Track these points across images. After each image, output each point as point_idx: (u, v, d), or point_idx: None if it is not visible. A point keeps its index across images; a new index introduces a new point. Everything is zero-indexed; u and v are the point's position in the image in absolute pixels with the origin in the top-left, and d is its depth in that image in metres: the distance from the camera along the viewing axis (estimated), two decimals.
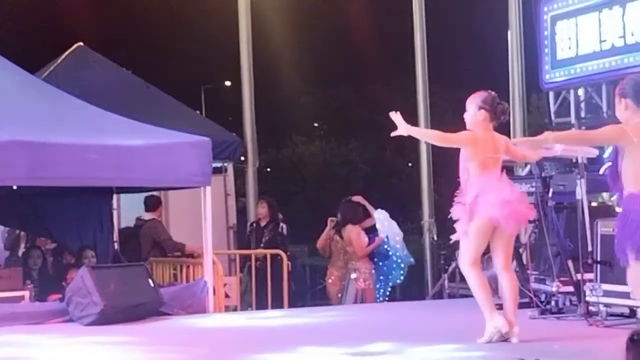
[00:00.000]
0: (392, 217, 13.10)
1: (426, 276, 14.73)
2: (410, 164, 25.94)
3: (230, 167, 15.57)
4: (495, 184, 8.00)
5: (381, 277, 12.93)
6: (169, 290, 11.18)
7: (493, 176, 8.04)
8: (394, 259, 12.92)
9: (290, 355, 7.80)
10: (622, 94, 6.85)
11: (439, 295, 13.27)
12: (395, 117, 8.03)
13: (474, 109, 8.16)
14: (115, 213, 13.75)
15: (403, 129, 8.01)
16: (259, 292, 13.04)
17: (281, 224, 14.00)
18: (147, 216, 13.27)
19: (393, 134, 8.12)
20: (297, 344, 8.32)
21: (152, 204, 13.36)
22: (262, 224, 13.84)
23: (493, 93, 8.28)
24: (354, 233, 12.75)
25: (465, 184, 8.10)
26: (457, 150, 8.11)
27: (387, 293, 12.99)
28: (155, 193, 13.75)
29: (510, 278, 8.24)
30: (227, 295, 12.35)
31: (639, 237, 6.44)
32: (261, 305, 12.74)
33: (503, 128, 14.35)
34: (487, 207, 7.90)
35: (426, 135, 8.20)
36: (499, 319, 7.90)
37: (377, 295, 12.83)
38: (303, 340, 8.63)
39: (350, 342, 8.23)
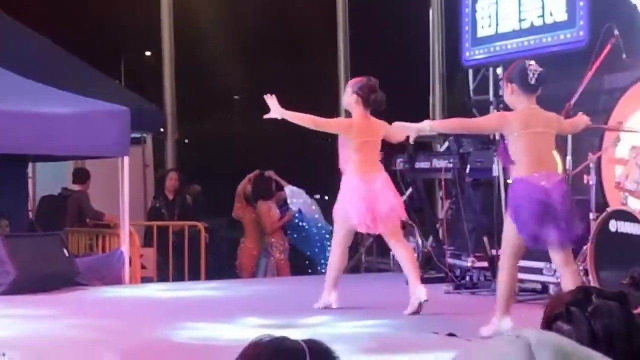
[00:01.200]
0: (314, 192, 13.20)
1: None
2: (329, 139, 26.02)
3: (149, 138, 15.44)
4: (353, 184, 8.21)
5: (318, 244, 13.05)
6: (84, 260, 11.08)
7: (369, 159, 8.28)
8: (315, 230, 13.03)
9: (208, 327, 7.80)
10: (508, 79, 7.02)
11: (356, 269, 13.33)
12: (270, 99, 8.16)
13: (349, 92, 8.40)
14: (30, 182, 13.57)
15: (277, 112, 8.15)
16: (176, 264, 12.99)
17: (187, 196, 13.96)
18: (76, 187, 13.08)
19: (266, 116, 8.28)
20: (215, 316, 8.32)
21: (82, 176, 13.17)
22: (170, 197, 13.76)
23: (373, 81, 8.42)
24: (265, 208, 12.83)
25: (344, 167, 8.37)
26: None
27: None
28: (72, 163, 13.61)
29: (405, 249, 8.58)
30: (143, 267, 12.29)
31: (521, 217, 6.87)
32: (178, 278, 12.70)
33: (424, 105, 14.49)
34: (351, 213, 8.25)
35: (299, 119, 8.28)
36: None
37: (321, 262, 12.92)
38: (219, 313, 8.63)
39: (271, 314, 8.25)
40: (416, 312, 8.14)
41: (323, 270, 12.78)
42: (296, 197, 13.21)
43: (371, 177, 8.29)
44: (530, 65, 7.11)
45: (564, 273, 7.12)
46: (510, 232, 7.07)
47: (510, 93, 7.10)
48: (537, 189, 6.88)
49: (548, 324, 2.17)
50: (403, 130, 7.84)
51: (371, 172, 8.31)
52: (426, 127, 7.36)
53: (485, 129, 8.07)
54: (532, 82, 7.02)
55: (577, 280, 7.07)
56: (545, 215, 6.89)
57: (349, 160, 8.35)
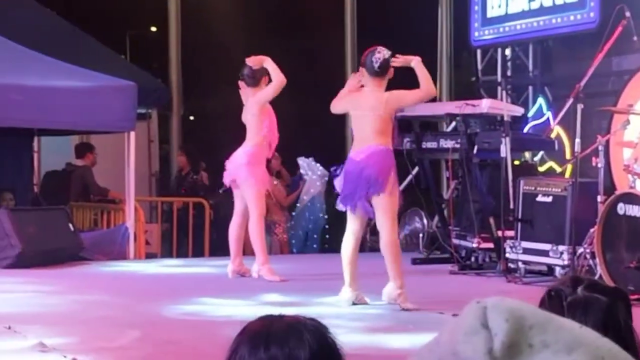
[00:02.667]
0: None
1: None
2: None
3: (154, 113, 15.40)
4: None
5: (310, 226, 13.05)
6: (89, 235, 11.07)
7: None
8: (311, 226, 13.08)
9: (212, 301, 7.80)
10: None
11: (360, 249, 13.30)
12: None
13: None
14: (36, 156, 13.55)
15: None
16: (180, 240, 12.98)
17: (202, 173, 13.93)
18: (79, 162, 13.04)
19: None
20: (218, 292, 8.32)
21: (84, 150, 13.14)
22: (183, 173, 13.79)
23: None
24: (272, 184, 12.77)
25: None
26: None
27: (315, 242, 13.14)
28: (78, 138, 13.59)
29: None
30: (147, 242, 12.27)
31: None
32: (182, 254, 12.68)
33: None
34: None
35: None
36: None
37: (313, 244, 12.93)
38: (224, 288, 8.62)
39: (274, 291, 8.25)
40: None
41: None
42: (312, 170, 13.12)
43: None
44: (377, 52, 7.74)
45: None
46: None
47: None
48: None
49: (539, 306, 2.15)
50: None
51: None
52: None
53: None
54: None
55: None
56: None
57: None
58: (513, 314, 0.95)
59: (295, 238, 13.27)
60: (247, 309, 7.52)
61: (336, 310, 7.45)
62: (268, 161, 12.88)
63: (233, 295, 8.17)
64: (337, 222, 14.13)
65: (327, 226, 13.22)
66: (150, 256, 12.09)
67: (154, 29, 25.38)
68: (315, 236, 13.19)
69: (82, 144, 13.39)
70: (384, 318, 7.25)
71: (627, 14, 8.94)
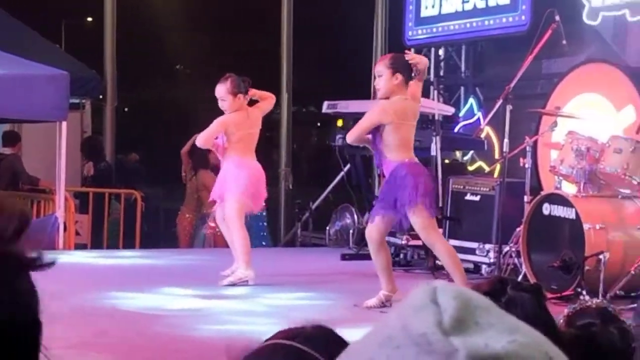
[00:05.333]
0: None
1: (280, 224, 14.83)
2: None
3: (88, 104, 15.31)
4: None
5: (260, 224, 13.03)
6: None
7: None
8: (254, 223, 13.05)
9: (140, 295, 7.81)
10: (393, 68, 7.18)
11: (291, 243, 13.39)
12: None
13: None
14: None
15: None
16: (111, 231, 12.93)
17: (103, 163, 13.84)
18: (7, 151, 12.93)
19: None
20: (148, 284, 8.32)
21: (12, 138, 13.03)
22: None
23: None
24: (208, 178, 12.71)
25: None
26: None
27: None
28: (8, 126, 13.46)
29: None
30: (77, 233, 12.21)
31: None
32: (112, 245, 12.64)
33: (366, 84, 14.55)
34: None
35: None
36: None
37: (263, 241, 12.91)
38: (153, 281, 8.62)
39: (203, 285, 8.28)
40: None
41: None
42: None
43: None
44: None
45: None
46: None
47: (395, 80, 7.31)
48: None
49: None
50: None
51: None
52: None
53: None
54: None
55: None
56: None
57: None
58: (461, 294, 1.02)
59: None
60: (178, 301, 7.56)
61: (266, 302, 7.49)
62: (207, 154, 12.87)
63: (166, 286, 8.20)
64: (274, 218, 14.26)
65: (265, 223, 13.17)
66: (80, 247, 12.04)
67: (90, 19, 25.22)
68: (263, 233, 13.09)
69: (10, 131, 13.27)
70: (320, 310, 7.31)
71: (557, 17, 9.09)
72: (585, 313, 2.57)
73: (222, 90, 8.68)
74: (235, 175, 8.61)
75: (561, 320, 2.51)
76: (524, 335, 0.99)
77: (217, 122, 8.71)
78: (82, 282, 8.53)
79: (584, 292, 7.58)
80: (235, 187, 8.57)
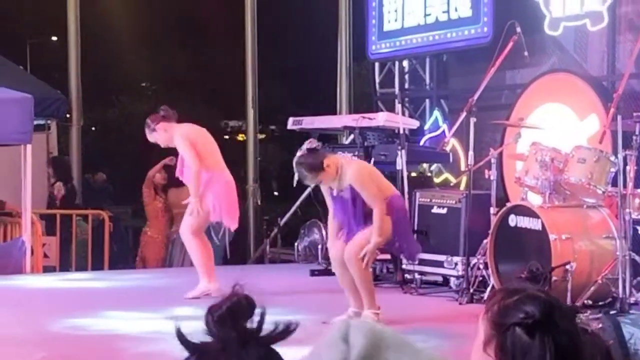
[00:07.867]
0: None
1: (249, 240, 14.80)
2: (229, 128, 26.22)
3: (53, 125, 15.22)
4: None
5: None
6: None
7: None
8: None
9: (97, 319, 7.77)
10: None
11: (260, 260, 13.36)
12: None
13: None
14: None
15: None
16: (79, 252, 12.86)
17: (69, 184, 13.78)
18: None
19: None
20: (108, 307, 8.28)
21: None
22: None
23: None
24: (179, 195, 12.67)
25: None
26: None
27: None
28: None
29: None
30: (45, 256, 12.14)
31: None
32: (81, 266, 12.57)
33: (331, 98, 14.56)
34: None
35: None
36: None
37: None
38: (114, 303, 8.58)
39: (171, 304, 8.25)
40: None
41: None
42: None
43: None
44: None
45: None
46: None
47: None
48: None
49: (501, 325, 2.16)
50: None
51: None
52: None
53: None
54: None
55: None
56: None
57: None
58: (373, 334, 1.02)
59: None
60: (151, 323, 7.52)
61: None
62: (152, 177, 12.80)
63: (136, 309, 8.16)
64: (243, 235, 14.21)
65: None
66: (48, 269, 11.96)
67: (54, 38, 25.12)
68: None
69: None
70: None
71: (518, 29, 9.15)
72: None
73: (152, 136, 9.44)
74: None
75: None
76: None
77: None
78: (46, 306, 8.48)
79: None
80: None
